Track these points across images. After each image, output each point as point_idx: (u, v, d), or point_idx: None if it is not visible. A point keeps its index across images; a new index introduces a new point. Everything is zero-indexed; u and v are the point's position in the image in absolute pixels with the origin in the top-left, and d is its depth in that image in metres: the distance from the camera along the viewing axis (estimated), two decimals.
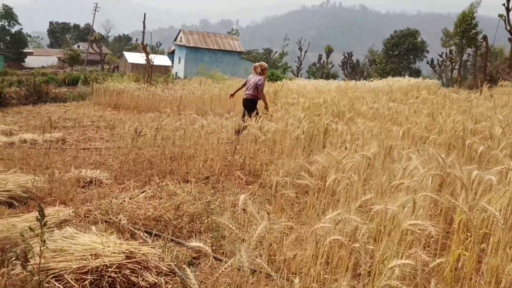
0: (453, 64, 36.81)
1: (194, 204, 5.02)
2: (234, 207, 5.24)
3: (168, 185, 5.89)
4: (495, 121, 5.86)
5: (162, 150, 7.26)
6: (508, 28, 25.77)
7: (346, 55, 60.62)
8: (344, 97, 10.39)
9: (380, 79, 24.06)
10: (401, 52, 61.23)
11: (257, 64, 9.91)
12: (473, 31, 32.19)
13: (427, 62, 57.21)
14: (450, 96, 10.72)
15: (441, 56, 54.68)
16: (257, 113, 9.01)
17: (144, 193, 5.46)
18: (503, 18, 25.80)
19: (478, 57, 32.16)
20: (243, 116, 9.02)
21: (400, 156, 4.02)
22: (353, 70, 59.61)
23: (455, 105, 8.32)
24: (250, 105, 9.63)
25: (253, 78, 9.65)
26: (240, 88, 10.49)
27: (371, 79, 20.46)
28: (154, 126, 8.16)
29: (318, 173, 3.91)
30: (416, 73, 58.22)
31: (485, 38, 26.20)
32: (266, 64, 9.98)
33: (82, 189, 5.95)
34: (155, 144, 7.54)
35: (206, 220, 4.73)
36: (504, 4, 25.59)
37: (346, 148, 5.26)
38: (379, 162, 4.25)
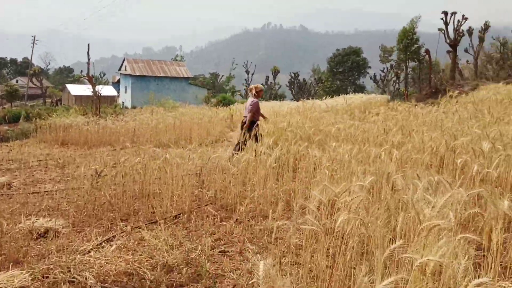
0: (399, 78, 37.98)
1: (169, 252, 4.50)
2: (213, 249, 4.77)
3: (136, 229, 5.33)
4: (473, 135, 5.73)
5: (123, 189, 6.66)
6: (448, 41, 26.88)
7: (293, 75, 61.54)
8: (305, 119, 10.17)
9: (332, 97, 24.28)
10: (345, 70, 62.73)
11: (252, 86, 9.92)
12: (415, 45, 33.39)
13: (370, 78, 59.00)
14: (412, 111, 10.74)
15: (383, 71, 56.71)
16: (256, 137, 8.73)
17: (110, 243, 4.86)
18: (443, 32, 26.93)
19: (421, 70, 33.38)
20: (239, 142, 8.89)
21: (403, 184, 3.72)
22: (300, 89, 60.50)
23: (420, 120, 8.24)
24: (249, 127, 9.43)
25: (248, 101, 9.74)
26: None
27: (323, 98, 20.53)
28: (111, 163, 7.54)
29: (318, 210, 3.50)
30: (361, 89, 59.80)
31: (427, 51, 27.17)
32: (261, 86, 9.96)
33: (36, 242, 5.26)
34: (114, 182, 6.93)
35: (185, 270, 4.21)
36: (442, 19, 26.76)
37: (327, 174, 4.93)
38: (383, 193, 3.94)
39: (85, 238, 5.28)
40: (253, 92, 9.75)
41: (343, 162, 5.32)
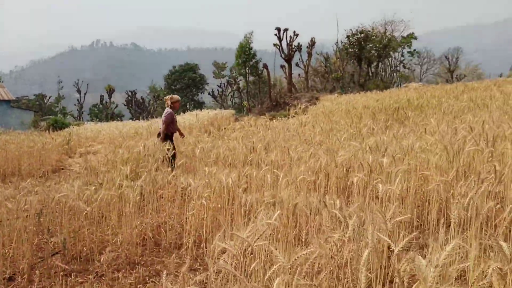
0: (241, 92, 38.75)
1: None
2: None
3: None
4: (351, 148, 5.48)
5: None
6: (283, 56, 28.16)
7: (130, 93, 59.20)
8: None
9: (178, 114, 23.43)
10: (183, 86, 62.39)
11: (167, 97, 9.58)
12: (253, 60, 34.32)
13: (209, 93, 59.71)
14: (268, 125, 10.51)
15: (220, 86, 58.02)
16: (174, 155, 8.07)
17: None
18: (278, 47, 28.13)
19: (261, 84, 34.52)
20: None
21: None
22: (139, 108, 58.48)
23: (284, 134, 7.93)
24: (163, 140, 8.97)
25: (164, 113, 9.35)
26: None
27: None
28: None
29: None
30: (200, 105, 60.19)
31: (265, 66, 28.10)
32: (176, 97, 9.54)
33: None
34: None
35: None
36: (276, 35, 27.99)
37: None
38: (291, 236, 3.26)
39: None
40: (168, 103, 9.39)
41: (224, 188, 4.59)
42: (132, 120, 39.36)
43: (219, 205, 4.78)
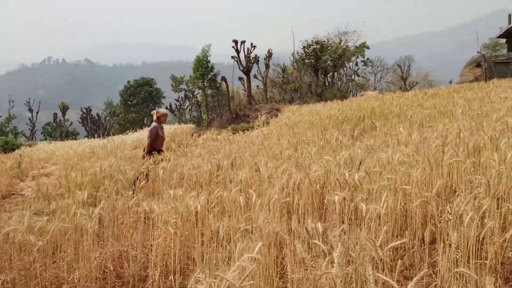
0: (200, 105, 38.14)
1: None
2: None
3: None
4: (323, 162, 5.21)
5: None
6: (241, 68, 27.96)
7: (84, 110, 57.50)
8: (119, 160, 8.68)
9: (134, 130, 22.72)
10: (139, 101, 61.16)
11: (153, 111, 9.42)
12: (211, 73, 33.94)
13: (166, 108, 58.79)
14: (231, 139, 10.16)
15: (177, 100, 57.32)
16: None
17: None
18: (236, 59, 27.92)
19: (220, 96, 34.16)
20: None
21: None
22: (94, 125, 56.86)
23: (251, 149, 7.60)
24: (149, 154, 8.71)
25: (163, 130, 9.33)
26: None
27: (128, 132, 18.92)
28: None
29: None
30: None
31: (223, 79, 27.78)
32: (163, 110, 9.34)
33: None
34: None
35: None
36: (233, 47, 27.77)
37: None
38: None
39: None
40: (154, 117, 9.23)
41: (192, 214, 4.20)
42: (88, 138, 38.10)
43: (187, 232, 4.39)
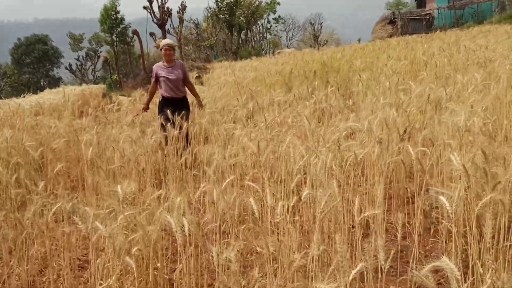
0: (109, 64, 33.85)
1: None
2: None
3: None
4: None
5: None
6: (155, 20, 25.03)
7: None
8: (19, 132, 6.34)
9: (33, 93, 19.16)
10: (33, 61, 55.17)
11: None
12: (121, 26, 30.10)
13: (66, 68, 53.58)
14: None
15: (78, 59, 52.39)
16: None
17: None
18: (149, 10, 24.82)
19: (130, 53, 30.68)
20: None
21: None
22: None
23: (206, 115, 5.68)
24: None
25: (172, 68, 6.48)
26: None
27: (24, 95, 15.67)
28: None
29: None
30: (56, 81, 54.04)
31: (135, 32, 24.70)
32: (165, 40, 6.79)
33: None
34: None
35: None
36: None
37: None
38: None
39: None
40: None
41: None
42: None
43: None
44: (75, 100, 10.75)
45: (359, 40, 49.09)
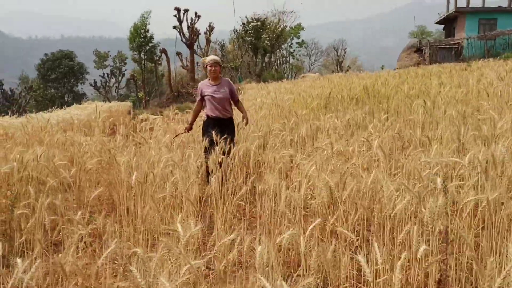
0: (135, 81, 33.61)
1: None
2: None
3: None
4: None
5: None
6: (184, 40, 24.91)
7: None
8: (51, 149, 5.91)
9: (60, 107, 18.94)
10: (59, 76, 55.76)
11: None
12: (150, 44, 30.02)
13: (91, 84, 54.06)
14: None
15: (103, 77, 52.97)
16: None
17: None
18: (178, 29, 24.72)
19: (158, 72, 30.55)
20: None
21: None
22: (7, 101, 50.95)
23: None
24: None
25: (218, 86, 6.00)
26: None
27: (52, 110, 15.39)
28: None
29: None
30: (80, 97, 54.48)
31: (163, 51, 24.59)
32: (210, 57, 6.07)
33: None
34: None
35: None
36: (175, 15, 24.46)
37: None
38: None
39: None
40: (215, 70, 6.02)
41: None
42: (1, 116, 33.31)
43: None
44: (105, 117, 10.35)
45: (382, 67, 48.57)
